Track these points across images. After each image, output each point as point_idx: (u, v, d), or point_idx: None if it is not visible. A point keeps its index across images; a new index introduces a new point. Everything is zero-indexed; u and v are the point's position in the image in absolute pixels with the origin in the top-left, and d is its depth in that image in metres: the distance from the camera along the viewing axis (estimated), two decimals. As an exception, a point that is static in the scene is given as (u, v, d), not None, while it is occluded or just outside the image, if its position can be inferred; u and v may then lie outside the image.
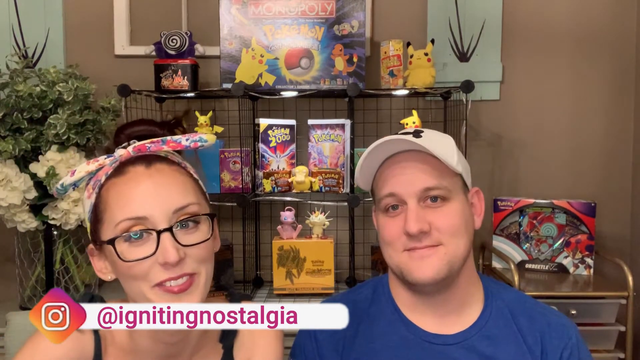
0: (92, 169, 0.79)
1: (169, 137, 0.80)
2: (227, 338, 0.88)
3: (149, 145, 0.79)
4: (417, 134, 0.91)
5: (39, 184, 1.58)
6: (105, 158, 0.80)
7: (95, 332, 0.82)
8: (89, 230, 0.82)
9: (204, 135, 0.81)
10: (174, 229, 0.75)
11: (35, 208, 1.61)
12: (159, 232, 0.74)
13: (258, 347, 0.89)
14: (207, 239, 0.78)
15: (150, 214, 0.74)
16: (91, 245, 0.82)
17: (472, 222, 0.95)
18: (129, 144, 0.81)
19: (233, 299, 0.92)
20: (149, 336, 0.81)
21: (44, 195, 1.58)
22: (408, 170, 0.90)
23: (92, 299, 0.85)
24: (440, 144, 0.92)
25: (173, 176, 0.79)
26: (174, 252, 0.73)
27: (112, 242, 0.75)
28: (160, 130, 0.85)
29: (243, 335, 0.89)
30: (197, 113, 1.79)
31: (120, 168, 0.79)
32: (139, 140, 0.81)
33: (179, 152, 0.85)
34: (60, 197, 0.75)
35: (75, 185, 0.81)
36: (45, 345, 0.79)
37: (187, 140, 0.80)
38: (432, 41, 1.73)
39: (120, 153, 0.79)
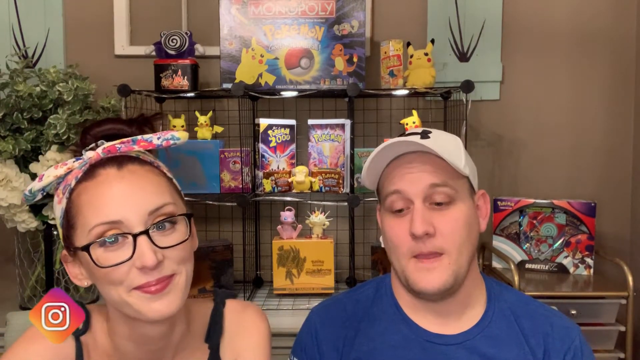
0: (61, 173, 0.76)
1: (139, 137, 0.77)
2: (213, 338, 0.87)
3: (119, 145, 0.76)
4: (425, 134, 0.91)
5: (39, 184, 1.58)
6: (74, 161, 0.77)
7: (77, 338, 0.81)
8: (61, 236, 0.79)
9: (176, 132, 0.79)
10: (150, 232, 0.73)
11: (35, 208, 1.61)
12: (134, 236, 0.72)
13: (245, 347, 0.89)
14: (185, 240, 0.76)
15: (124, 218, 0.72)
16: (64, 252, 0.79)
17: (477, 225, 0.94)
18: (96, 145, 0.78)
19: (217, 297, 0.91)
20: (132, 340, 0.80)
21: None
22: (414, 169, 0.90)
23: None
24: (448, 145, 0.91)
25: (146, 177, 0.77)
26: (152, 256, 0.71)
27: (86, 248, 0.72)
28: (128, 128, 0.81)
29: (229, 335, 0.89)
30: (197, 113, 1.80)
31: (91, 171, 0.76)
32: (107, 140, 0.78)
33: (150, 151, 0.82)
34: (28, 204, 0.71)
35: (43, 190, 0.78)
36: (27, 354, 0.79)
37: (158, 138, 0.78)
38: (432, 41, 1.73)
39: (89, 155, 0.76)
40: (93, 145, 0.78)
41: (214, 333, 0.88)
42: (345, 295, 1.05)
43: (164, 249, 0.74)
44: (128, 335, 0.80)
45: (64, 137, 1.56)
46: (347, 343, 0.96)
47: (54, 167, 0.77)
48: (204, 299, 0.93)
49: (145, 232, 0.72)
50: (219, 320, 0.89)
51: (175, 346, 0.84)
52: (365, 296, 1.01)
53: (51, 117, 1.57)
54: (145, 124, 0.82)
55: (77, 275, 0.79)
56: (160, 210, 0.75)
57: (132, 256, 0.72)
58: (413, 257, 0.89)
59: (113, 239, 0.72)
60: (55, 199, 0.79)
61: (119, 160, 0.76)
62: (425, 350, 0.92)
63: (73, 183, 0.76)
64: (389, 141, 0.91)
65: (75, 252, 0.76)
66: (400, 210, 0.90)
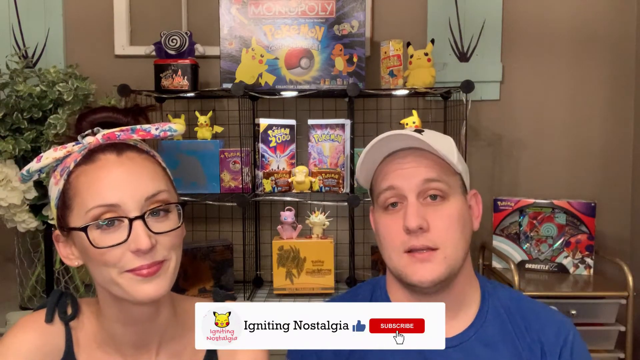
0: (60, 155, 0.79)
1: (138, 126, 0.80)
2: None
3: (119, 133, 0.79)
4: (418, 132, 0.91)
5: (39, 184, 1.58)
6: (74, 145, 0.79)
7: (66, 323, 0.83)
8: (55, 216, 0.81)
9: (174, 124, 0.82)
10: (145, 217, 0.75)
11: (35, 208, 1.61)
12: (130, 220, 0.74)
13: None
14: (178, 227, 0.79)
15: (122, 202, 0.75)
16: (57, 232, 0.81)
17: (470, 223, 0.94)
18: (93, 132, 0.80)
19: (217, 297, 0.91)
20: (119, 321, 0.82)
21: (44, 195, 1.58)
22: (408, 165, 0.90)
23: (62, 296, 0.86)
24: (441, 142, 0.92)
25: (143, 164, 0.80)
26: (146, 240, 0.74)
27: (84, 229, 0.74)
28: (124, 117, 0.83)
29: None
30: (197, 113, 1.80)
31: (90, 155, 0.78)
32: (103, 127, 0.81)
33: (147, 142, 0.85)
34: (24, 183, 0.75)
35: (40, 171, 0.81)
36: (17, 340, 0.81)
37: (156, 129, 0.80)
38: (432, 41, 1.73)
39: (89, 140, 0.79)
40: (89, 132, 0.80)
41: None
42: (344, 297, 1.05)
43: (158, 234, 0.76)
44: (116, 317, 0.82)
45: (64, 137, 1.56)
46: None
47: (53, 150, 0.79)
48: (203, 299, 0.93)
49: (141, 217, 0.75)
50: None
51: (161, 331, 0.85)
52: (363, 298, 1.01)
53: (51, 117, 1.57)
54: (140, 114, 0.85)
55: (68, 255, 0.81)
56: (156, 197, 0.77)
57: (127, 239, 0.74)
58: (406, 252, 0.89)
59: (109, 222, 0.75)
60: (52, 180, 0.81)
61: (118, 147, 0.79)
62: (421, 354, 0.91)
63: (72, 166, 0.78)
64: (383, 134, 0.91)
65: (69, 233, 0.78)
66: (394, 205, 0.90)
